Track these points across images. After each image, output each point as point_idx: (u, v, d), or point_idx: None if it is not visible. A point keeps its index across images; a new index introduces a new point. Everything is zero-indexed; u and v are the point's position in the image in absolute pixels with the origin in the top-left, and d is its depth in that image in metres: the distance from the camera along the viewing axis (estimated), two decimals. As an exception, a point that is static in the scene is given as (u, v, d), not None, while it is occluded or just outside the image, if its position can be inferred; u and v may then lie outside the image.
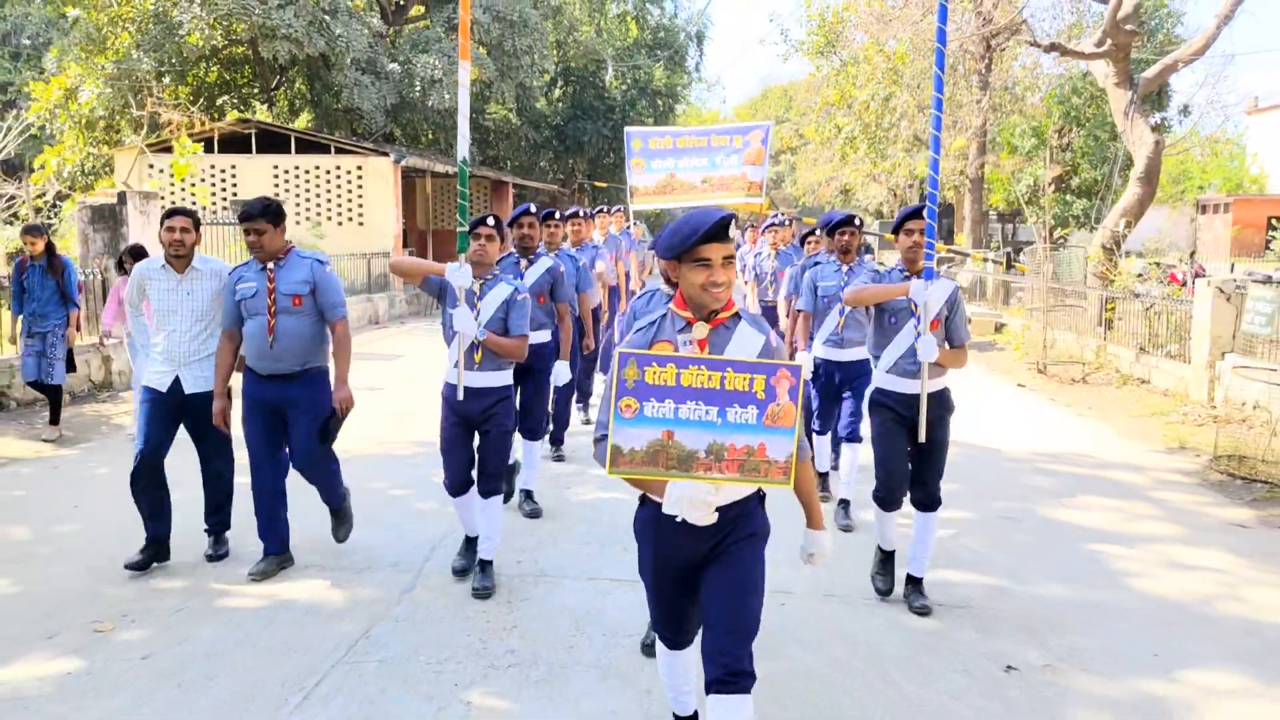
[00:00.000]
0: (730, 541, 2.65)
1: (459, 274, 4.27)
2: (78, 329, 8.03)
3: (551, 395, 6.48)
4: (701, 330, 2.60)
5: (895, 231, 4.47)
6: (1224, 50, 49.19)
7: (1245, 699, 3.65)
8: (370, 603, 4.45)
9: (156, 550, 4.84)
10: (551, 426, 6.98)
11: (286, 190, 18.86)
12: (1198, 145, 30.92)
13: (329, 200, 19.14)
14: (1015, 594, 4.67)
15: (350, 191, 19.14)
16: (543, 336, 5.84)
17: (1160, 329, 11.04)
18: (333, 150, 18.98)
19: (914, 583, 4.46)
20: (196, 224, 4.82)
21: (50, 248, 7.70)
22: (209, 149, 18.15)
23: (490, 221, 4.56)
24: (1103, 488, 6.68)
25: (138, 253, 7.31)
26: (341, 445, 5.02)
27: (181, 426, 4.87)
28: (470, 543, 4.83)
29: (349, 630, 4.14)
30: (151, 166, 18.11)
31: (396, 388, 10.17)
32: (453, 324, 4.36)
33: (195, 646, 3.96)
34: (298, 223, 18.05)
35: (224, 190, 18.86)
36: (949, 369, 4.37)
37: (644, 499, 2.76)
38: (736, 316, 2.66)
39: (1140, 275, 15.81)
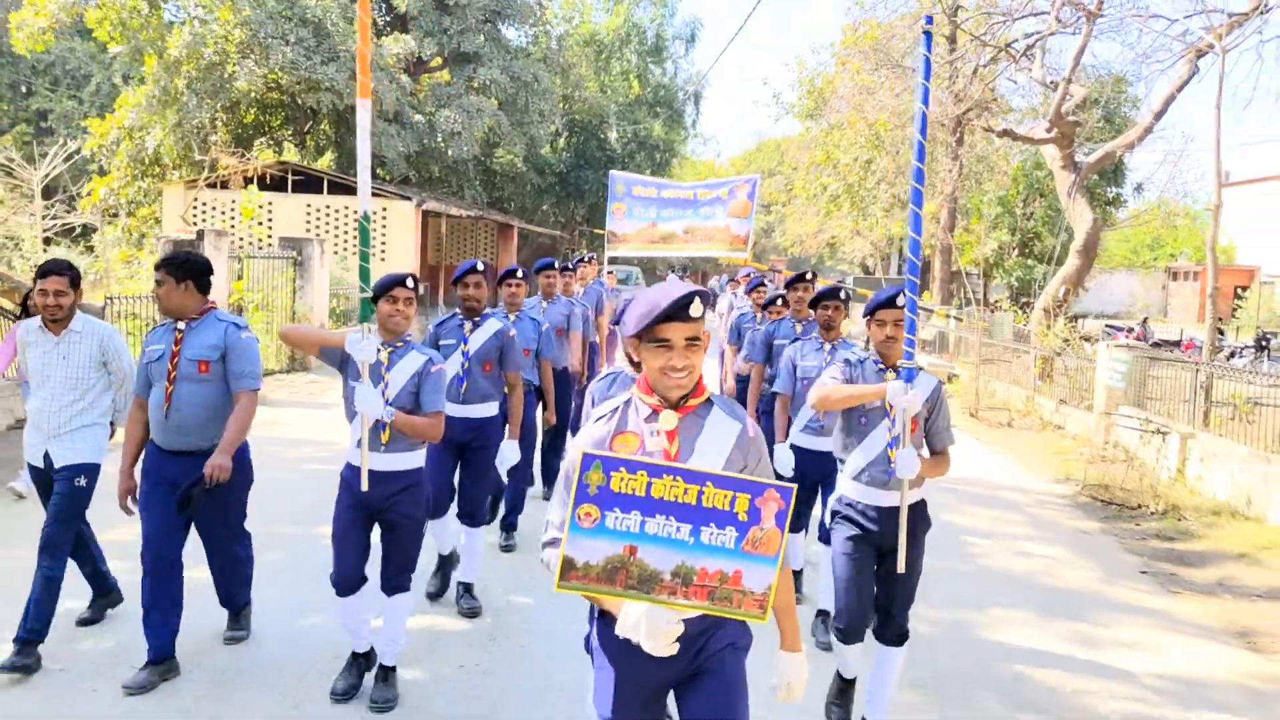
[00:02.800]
0: (705, 656, 2.35)
1: (360, 346, 3.73)
2: None
3: (506, 477, 6.01)
4: (670, 420, 2.31)
5: (867, 315, 3.88)
6: (1184, 132, 51.80)
7: (1022, 625, 5.49)
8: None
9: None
10: (502, 510, 6.37)
11: (318, 227, 20.80)
12: (1157, 218, 33.16)
13: (354, 238, 21.10)
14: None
15: (374, 231, 21.10)
16: (489, 409, 5.19)
17: (1078, 383, 12.97)
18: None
19: None
20: (75, 281, 4.33)
21: None
22: (246, 186, 20.09)
23: (409, 284, 4.05)
24: (988, 501, 8.52)
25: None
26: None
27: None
28: (357, 659, 4.14)
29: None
30: (202, 203, 20.04)
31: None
32: (353, 402, 3.84)
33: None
34: (335, 253, 19.95)
35: (263, 225, 20.80)
36: (928, 479, 3.78)
37: (603, 611, 2.37)
38: (709, 403, 2.38)
39: (1084, 337, 17.81)
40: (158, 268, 4.14)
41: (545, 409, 6.54)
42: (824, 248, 41.53)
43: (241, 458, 4.23)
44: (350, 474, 3.98)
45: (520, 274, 6.15)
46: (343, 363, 3.95)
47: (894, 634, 3.82)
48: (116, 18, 20.50)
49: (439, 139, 22.88)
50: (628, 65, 36.57)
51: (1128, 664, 4.98)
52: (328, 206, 20.99)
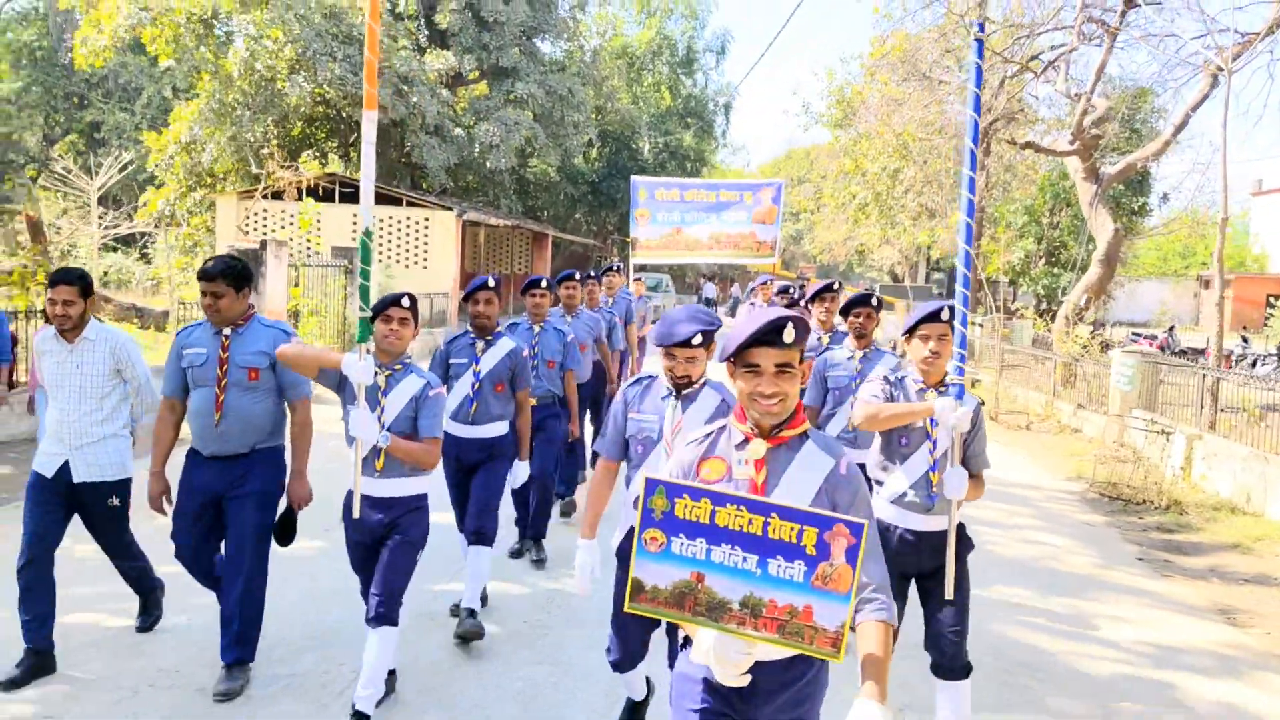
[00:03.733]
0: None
1: (358, 369, 3.62)
2: (10, 385, 7.24)
3: (534, 495, 5.98)
4: (759, 449, 2.29)
5: (907, 335, 3.71)
6: (1212, 141, 51.74)
7: (1021, 601, 6.10)
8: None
9: (38, 662, 4.14)
10: (530, 523, 6.14)
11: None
12: (1185, 226, 33.34)
13: (399, 246, 21.99)
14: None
15: (417, 239, 22.00)
16: (499, 429, 5.09)
17: (1095, 389, 13.48)
18: (404, 203, 21.90)
19: None
20: (85, 290, 4.21)
21: None
22: (299, 197, 21.04)
23: (405, 303, 3.90)
24: (1001, 496, 9.10)
25: None
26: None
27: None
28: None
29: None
30: (253, 212, 21.01)
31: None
32: (349, 427, 3.72)
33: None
34: (380, 261, 20.84)
35: (316, 235, 21.77)
36: (965, 502, 3.63)
37: (686, 639, 2.38)
38: (804, 435, 2.33)
39: (1104, 344, 18.25)
40: (210, 278, 4.02)
41: (569, 420, 6.41)
42: (853, 255, 41.98)
43: (278, 473, 4.22)
44: (350, 501, 3.86)
45: (544, 284, 6.13)
46: (340, 385, 3.83)
47: (953, 665, 3.59)
48: (172, 34, 21.51)
49: (477, 151, 23.73)
50: (659, 77, 37.38)
51: (1115, 634, 5.58)
52: (373, 216, 21.87)
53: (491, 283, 5.07)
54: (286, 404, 4.22)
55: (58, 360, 4.24)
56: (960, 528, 3.66)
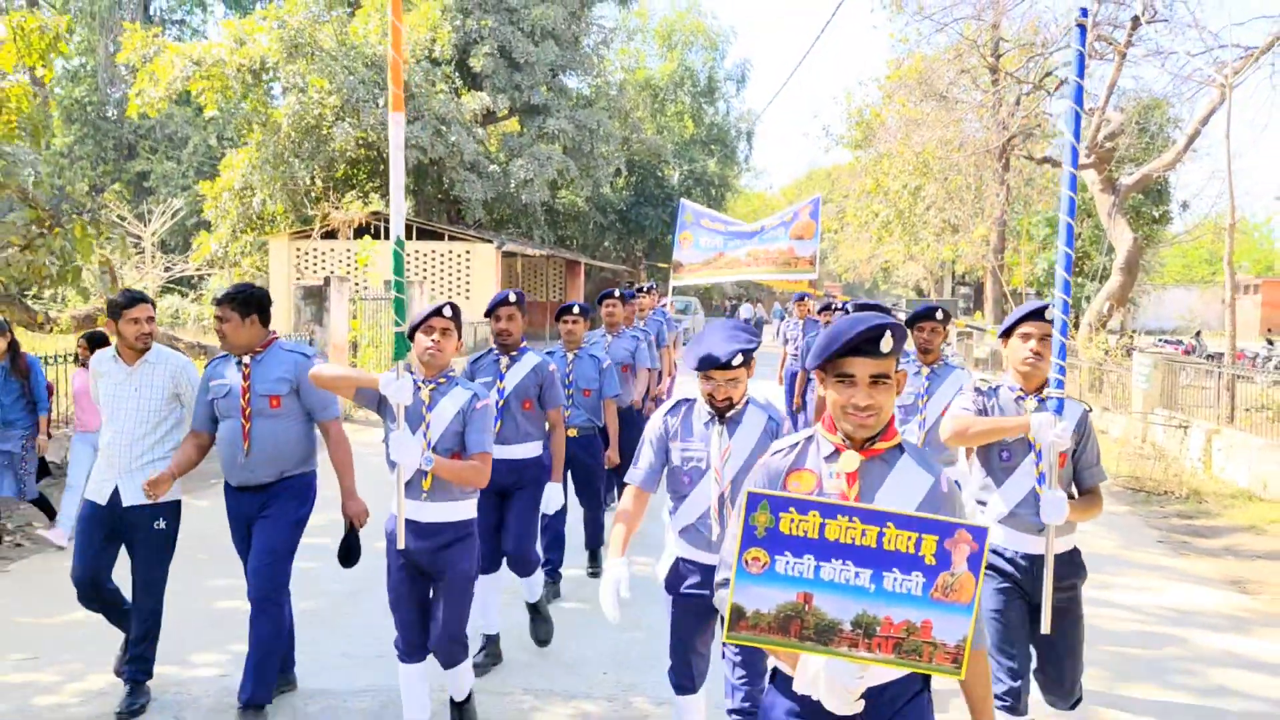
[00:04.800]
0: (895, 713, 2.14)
1: (395, 387, 3.40)
2: (49, 435, 7.03)
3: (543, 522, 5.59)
4: (851, 461, 2.17)
5: (1005, 335, 3.46)
6: (1236, 150, 52.41)
7: (1052, 574, 6.77)
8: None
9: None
10: (544, 555, 5.67)
11: (410, 270, 22.73)
12: (1209, 233, 33.74)
13: (443, 278, 23.01)
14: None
15: (460, 271, 23.01)
16: (531, 450, 4.85)
17: (1119, 393, 14.08)
18: (446, 237, 22.94)
19: None
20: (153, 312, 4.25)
21: (14, 346, 6.63)
22: (352, 237, 22.13)
23: (447, 312, 3.68)
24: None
25: (96, 340, 6.64)
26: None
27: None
28: None
29: None
30: (303, 251, 22.11)
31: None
32: (389, 451, 3.49)
33: None
34: (429, 295, 21.86)
35: (372, 270, 22.86)
36: (1078, 523, 3.39)
37: (775, 674, 2.25)
38: (899, 449, 2.22)
39: (1127, 349, 18.80)
40: (218, 303, 4.02)
41: (607, 446, 6.22)
42: (878, 272, 42.59)
43: (305, 497, 4.14)
44: (393, 526, 3.62)
45: (576, 310, 5.94)
46: (380, 405, 3.62)
47: (1063, 696, 3.45)
48: (220, 86, 22.70)
49: (512, 185, 24.77)
50: (682, 106, 38.47)
51: (1134, 600, 6.24)
52: (417, 251, 22.97)
53: (513, 298, 4.86)
54: (318, 426, 4.16)
55: (116, 382, 4.19)
56: (1073, 553, 3.40)
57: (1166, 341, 26.70)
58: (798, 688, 2.04)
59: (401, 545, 3.57)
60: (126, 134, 35.98)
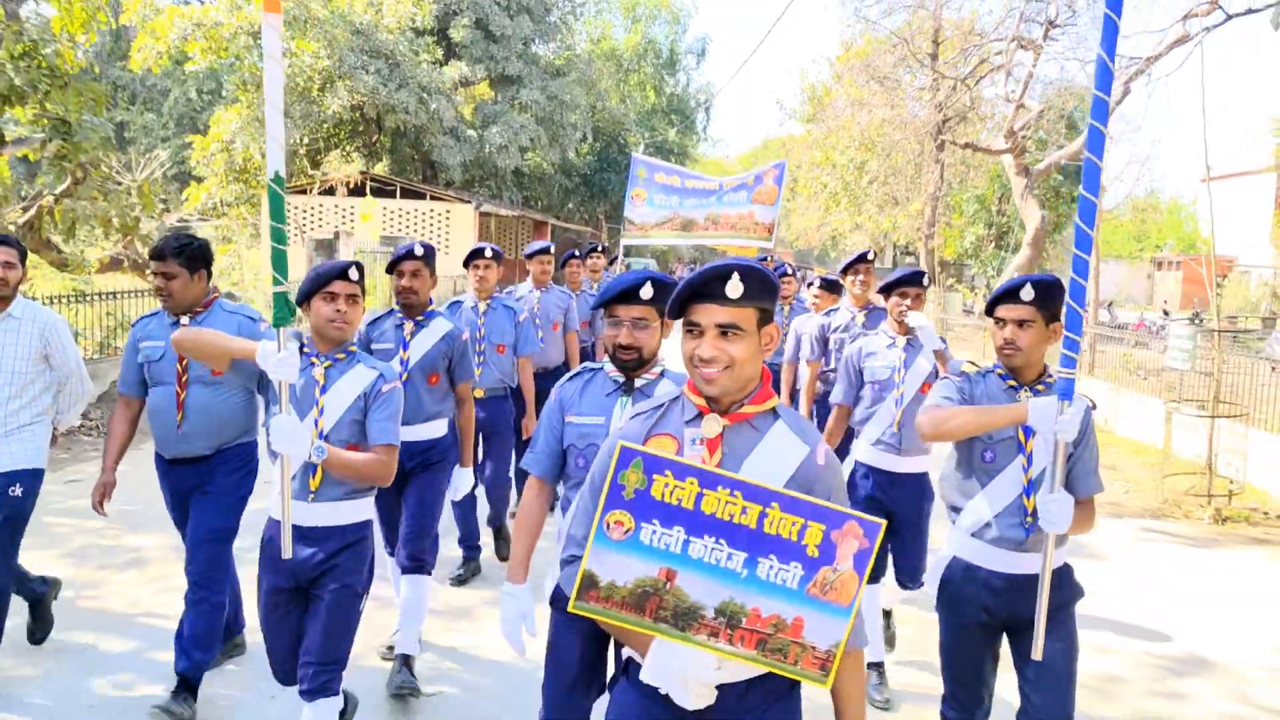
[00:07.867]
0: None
1: (279, 362, 2.79)
2: None
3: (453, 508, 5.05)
4: (714, 426, 1.90)
5: (989, 312, 2.92)
6: (1150, 136, 56.14)
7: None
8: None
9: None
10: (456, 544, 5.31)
11: (395, 226, 24.68)
12: (1127, 212, 36.74)
13: (425, 235, 24.98)
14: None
15: (441, 229, 25.01)
16: (436, 429, 4.24)
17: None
18: (428, 197, 24.93)
19: None
20: (23, 256, 3.80)
21: None
22: (333, 193, 23.95)
23: (352, 274, 3.06)
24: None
25: None
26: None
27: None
28: None
29: None
30: (296, 208, 23.89)
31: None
32: (270, 438, 2.84)
33: None
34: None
35: (347, 225, 24.72)
36: (1070, 535, 2.78)
37: (628, 664, 2.01)
38: (773, 414, 1.94)
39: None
40: (160, 257, 3.54)
41: (525, 415, 5.60)
42: (827, 241, 44.93)
43: (246, 470, 3.78)
44: (272, 530, 3.06)
45: (489, 253, 5.34)
46: (262, 382, 3.13)
47: None
48: (217, 46, 24.09)
49: (488, 150, 26.78)
50: (645, 77, 40.49)
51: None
52: (401, 209, 24.90)
53: (420, 250, 4.18)
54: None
55: None
56: (1065, 571, 2.85)
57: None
58: (644, 676, 1.82)
59: (287, 554, 2.89)
60: (105, 85, 36.84)
